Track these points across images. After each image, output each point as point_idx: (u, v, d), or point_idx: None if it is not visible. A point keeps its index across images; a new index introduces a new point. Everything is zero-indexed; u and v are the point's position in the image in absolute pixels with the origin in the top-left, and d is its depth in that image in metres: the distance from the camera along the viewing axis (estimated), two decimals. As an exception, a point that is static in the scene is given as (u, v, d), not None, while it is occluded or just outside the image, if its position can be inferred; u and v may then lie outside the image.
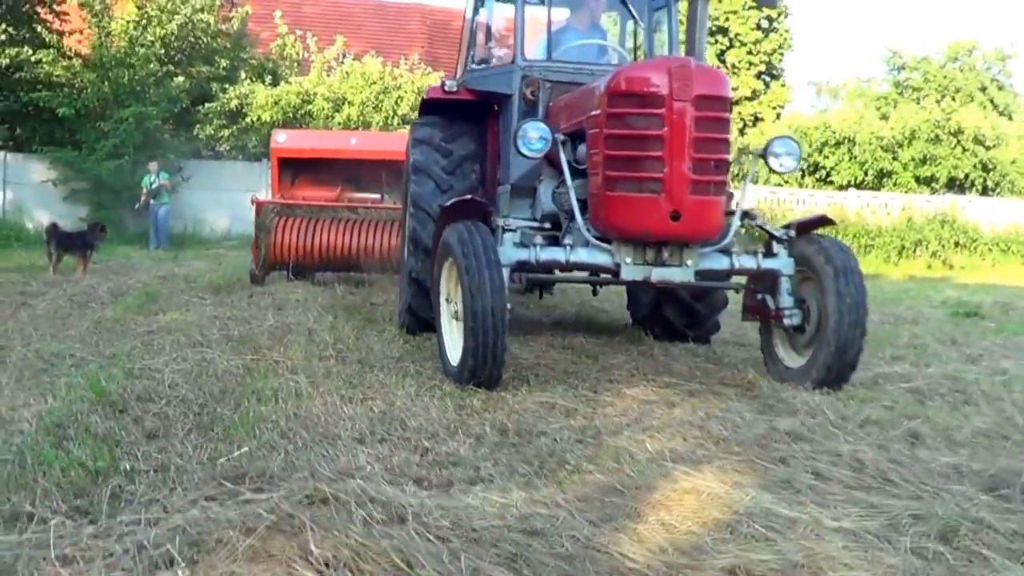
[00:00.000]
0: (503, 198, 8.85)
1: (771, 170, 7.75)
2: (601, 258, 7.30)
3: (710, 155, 6.89)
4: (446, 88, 9.32)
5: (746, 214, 7.73)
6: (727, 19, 38.20)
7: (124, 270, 14.96)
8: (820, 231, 7.57)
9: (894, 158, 30.64)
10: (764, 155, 7.58)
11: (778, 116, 38.19)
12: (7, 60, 24.28)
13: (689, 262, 7.18)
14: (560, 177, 7.75)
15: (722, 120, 7.03)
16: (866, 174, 30.70)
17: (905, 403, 6.71)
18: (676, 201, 6.75)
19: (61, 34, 25.74)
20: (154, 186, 22.83)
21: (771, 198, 28.40)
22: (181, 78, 25.46)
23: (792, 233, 7.46)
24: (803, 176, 30.93)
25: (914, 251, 27.23)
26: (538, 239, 7.46)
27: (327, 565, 2.83)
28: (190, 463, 4.41)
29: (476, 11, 9.81)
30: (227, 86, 26.35)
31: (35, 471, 4.11)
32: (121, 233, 22.34)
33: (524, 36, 8.92)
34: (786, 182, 29.39)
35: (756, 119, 38.30)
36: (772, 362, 7.66)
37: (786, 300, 7.32)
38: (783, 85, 40.25)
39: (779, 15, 38.99)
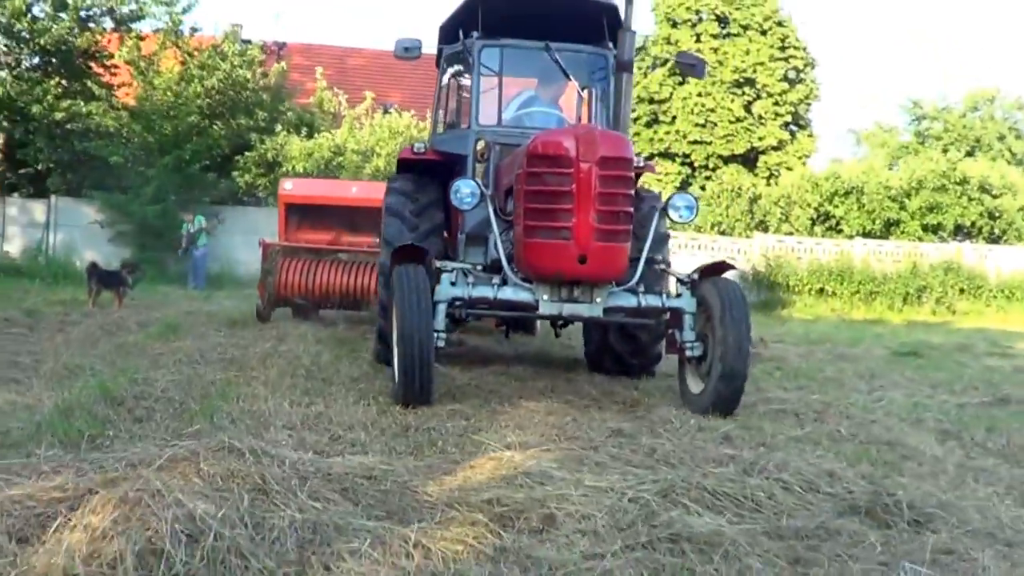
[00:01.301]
0: (460, 245, 9.70)
1: (672, 221, 8.92)
2: (523, 295, 8.26)
3: (613, 207, 7.87)
4: (415, 150, 10.55)
5: (650, 260, 8.66)
6: (754, 71, 39.52)
7: (157, 306, 16.35)
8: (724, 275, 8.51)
9: (901, 207, 31.87)
10: (665, 208, 8.78)
11: (803, 164, 39.41)
12: (62, 113, 26.23)
13: (598, 299, 8.21)
14: (505, 226, 8.67)
15: (623, 178, 8.01)
16: (874, 223, 31.92)
17: (758, 419, 7.77)
18: (583, 247, 7.79)
19: (110, 87, 27.89)
20: (193, 230, 24.43)
21: (779, 247, 29.80)
22: (219, 129, 27.49)
23: (695, 276, 8.44)
24: (813, 225, 32.29)
25: (918, 298, 28.57)
26: (470, 279, 8.31)
27: (210, 479, 4.42)
28: (156, 433, 6.06)
29: (441, 79, 10.96)
30: (265, 137, 28.26)
31: (45, 432, 5.78)
32: (163, 273, 23.97)
33: (479, 103, 9.89)
34: (796, 231, 30.93)
35: (781, 169, 39.47)
36: (683, 390, 8.50)
37: (688, 335, 8.26)
38: (809, 135, 41.52)
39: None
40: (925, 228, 31.75)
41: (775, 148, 39.91)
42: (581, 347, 10.79)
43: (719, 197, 32.84)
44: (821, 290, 28.74)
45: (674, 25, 41.02)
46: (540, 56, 9.81)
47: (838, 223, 32.46)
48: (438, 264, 8.38)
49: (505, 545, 4.09)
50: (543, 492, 4.85)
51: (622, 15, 9.92)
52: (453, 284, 8.15)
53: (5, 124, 27.71)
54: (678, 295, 8.46)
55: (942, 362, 13.63)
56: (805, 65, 40.90)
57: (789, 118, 40.53)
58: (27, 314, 13.05)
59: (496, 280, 8.34)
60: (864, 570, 4.10)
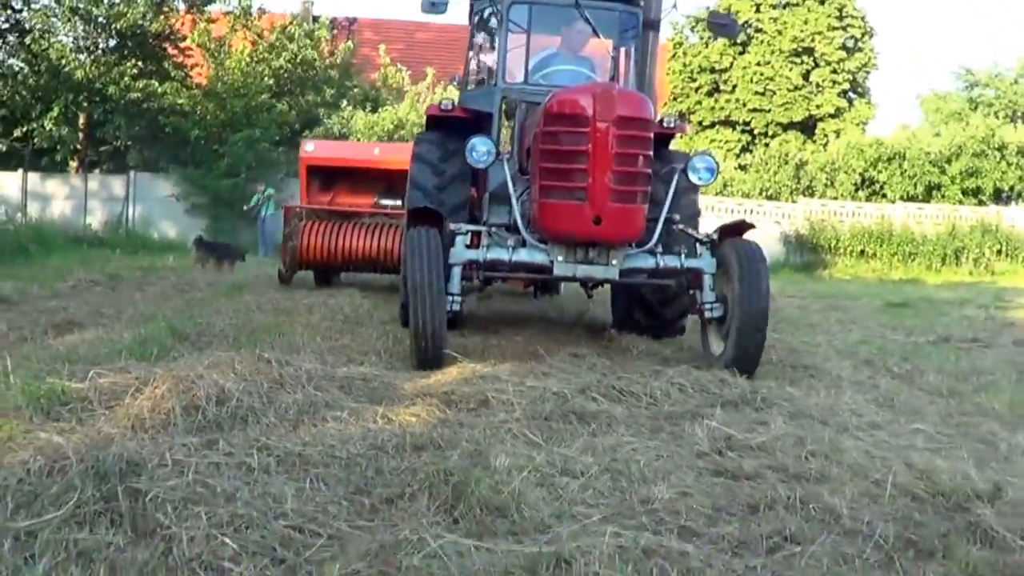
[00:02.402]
0: (485, 205, 9.79)
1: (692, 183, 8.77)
2: (538, 257, 8.24)
3: (630, 168, 7.83)
4: (442, 107, 10.35)
5: (669, 220, 8.55)
6: (813, 40, 40.65)
7: (228, 270, 17.94)
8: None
9: (942, 172, 33.14)
10: (685, 169, 8.56)
11: (863, 132, 40.48)
12: (138, 93, 28.49)
13: (614, 261, 8.17)
14: (526, 186, 8.64)
15: (641, 138, 7.87)
16: (916, 187, 33.20)
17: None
18: (598, 208, 7.75)
19: (184, 67, 30.10)
20: (261, 200, 25.99)
21: (823, 210, 31.29)
22: (285, 107, 29.56)
23: (715, 236, 8.35)
24: (856, 190, 33.71)
25: (956, 259, 29.89)
26: (485, 241, 8.41)
27: (240, 373, 6.17)
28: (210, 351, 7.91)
29: (473, 35, 10.95)
30: (332, 112, 30.25)
31: (126, 354, 7.61)
32: (235, 241, 25.92)
33: (506, 59, 9.97)
34: (840, 195, 32.39)
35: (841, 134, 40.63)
36: (705, 350, 8.54)
37: (708, 295, 8.20)
38: (868, 103, 42.53)
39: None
40: (965, 192, 32.90)
41: (833, 116, 40.84)
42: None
43: (767, 163, 34.34)
44: (862, 252, 30.11)
45: (734, -5, 42.20)
46: (570, 13, 9.83)
47: (882, 188, 33.75)
48: (452, 226, 8.28)
49: (447, 417, 5.86)
50: (487, 387, 6.58)
51: None
52: (468, 246, 8.19)
53: (85, 104, 29.75)
54: (698, 255, 8.38)
55: (926, 312, 15.06)
56: (863, 34, 41.63)
57: (847, 86, 41.46)
58: (109, 277, 14.86)
59: (511, 242, 8.39)
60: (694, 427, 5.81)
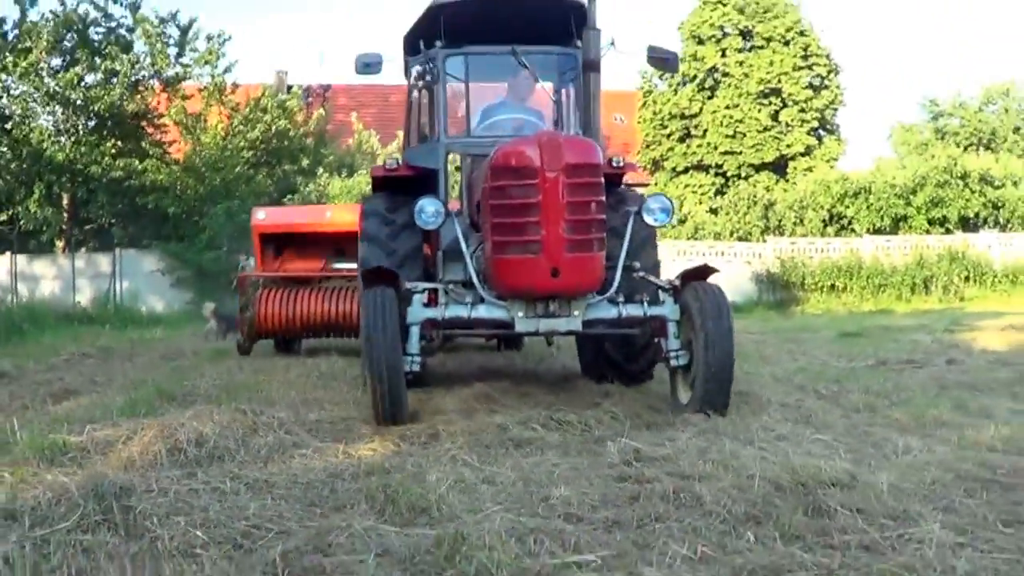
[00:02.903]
0: (439, 263, 9.38)
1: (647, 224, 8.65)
2: (498, 313, 8.17)
3: (583, 216, 7.68)
4: (387, 166, 10.25)
5: (628, 268, 8.58)
6: (779, 81, 41.94)
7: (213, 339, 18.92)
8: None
9: (907, 203, 34.26)
10: (640, 211, 8.55)
11: (832, 168, 41.66)
12: (119, 172, 29.50)
13: (576, 312, 8.08)
14: (480, 242, 8.52)
15: (592, 185, 7.75)
16: (883, 220, 34.34)
17: (651, 383, 9.54)
18: (555, 259, 7.60)
19: (162, 144, 31.20)
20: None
21: (792, 248, 32.42)
22: (265, 176, 30.69)
23: (676, 282, 8.26)
24: (825, 226, 34.87)
25: (925, 288, 30.96)
26: (443, 299, 8.25)
27: (218, 422, 7.05)
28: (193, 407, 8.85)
29: (411, 92, 10.70)
30: (308, 180, 31.38)
31: (117, 413, 8.48)
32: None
33: (446, 114, 9.90)
34: (810, 232, 33.51)
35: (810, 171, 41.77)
36: (673, 399, 8.40)
37: (673, 343, 8.11)
38: (837, 139, 43.79)
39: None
40: (931, 222, 34.12)
41: (803, 154, 42.09)
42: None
43: (736, 205, 35.54)
44: (832, 286, 31.25)
45: (700, 42, 43.35)
46: (508, 61, 9.79)
47: (850, 222, 34.96)
48: (408, 285, 8.17)
49: (399, 450, 6.79)
50: (438, 422, 7.59)
51: (588, 14, 9.57)
52: (425, 305, 8.14)
53: (68, 185, 30.86)
54: (661, 302, 8.30)
55: (878, 339, 16.02)
56: (829, 72, 42.91)
57: (816, 124, 42.75)
58: (100, 350, 15.77)
59: (469, 299, 8.30)
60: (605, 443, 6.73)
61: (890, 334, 17.13)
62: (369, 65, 9.87)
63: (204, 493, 5.10)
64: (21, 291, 28.72)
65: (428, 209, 8.53)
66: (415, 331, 8.01)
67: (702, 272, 8.29)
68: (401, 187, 10.06)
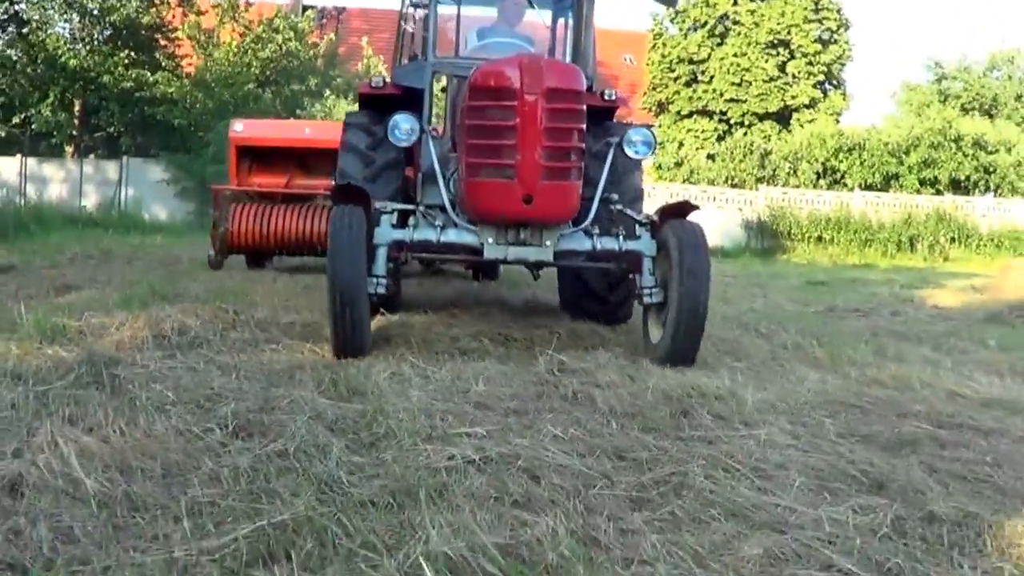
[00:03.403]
0: (419, 185, 9.09)
1: (628, 156, 8.42)
2: (468, 239, 7.91)
3: (561, 143, 7.44)
4: (372, 84, 9.78)
5: (607, 200, 8.35)
6: (788, 32, 42.61)
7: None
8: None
9: (900, 162, 35.14)
10: (621, 143, 8.28)
11: (837, 121, 42.47)
12: (131, 82, 30.50)
13: (548, 243, 7.82)
14: (457, 166, 8.22)
15: (572, 111, 7.50)
16: (874, 176, 35.23)
17: None
18: (528, 186, 7.36)
19: (175, 58, 32.07)
20: None
21: (783, 198, 33.31)
22: (273, 95, 31.53)
23: (655, 218, 7.99)
24: (818, 179, 35.75)
25: (911, 246, 31.87)
26: (411, 220, 7.94)
27: (202, 316, 8.08)
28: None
29: (403, 8, 10.46)
30: (315, 101, 32.23)
31: (112, 305, 9.38)
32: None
33: (436, 34, 9.58)
34: (802, 184, 34.38)
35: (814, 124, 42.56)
36: (645, 338, 8.14)
37: (648, 280, 7.85)
38: (842, 94, 44.49)
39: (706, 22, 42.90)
40: (922, 182, 34.98)
41: (808, 106, 42.87)
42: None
43: (732, 152, 36.41)
44: (820, 238, 32.11)
45: (712, -12, 44.08)
46: None
47: (842, 177, 35.77)
48: (378, 205, 7.88)
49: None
50: (395, 332, 8.45)
51: None
52: (394, 226, 7.85)
53: (80, 93, 31.71)
54: (637, 237, 8.04)
55: (840, 289, 16.83)
56: (839, 27, 43.57)
57: (822, 77, 43.45)
58: (103, 252, 16.63)
59: (440, 222, 8.04)
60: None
61: (855, 285, 17.96)
62: None
63: (180, 369, 6.07)
64: (29, 193, 29.63)
65: (403, 126, 8.29)
66: (382, 252, 7.71)
67: (682, 208, 8.02)
68: (387, 106, 9.18)
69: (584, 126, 7.71)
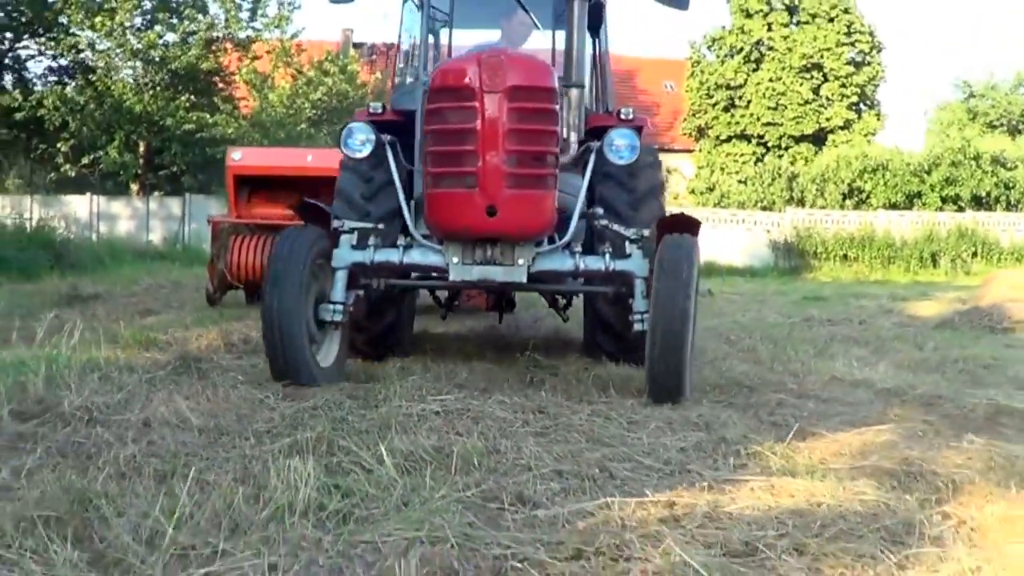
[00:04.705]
0: (412, 210, 8.15)
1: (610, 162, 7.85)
2: (432, 259, 7.44)
3: (529, 147, 6.92)
4: (371, 110, 8.76)
5: (591, 214, 7.73)
6: (822, 55, 44.75)
7: None
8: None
9: (922, 181, 37.12)
10: (602, 147, 7.72)
11: (868, 142, 44.45)
12: (192, 124, 33.16)
13: (520, 261, 7.20)
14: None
15: (541, 111, 6.95)
16: (898, 196, 37.34)
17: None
18: (491, 195, 6.83)
19: (232, 100, 34.77)
20: None
21: (809, 219, 35.44)
22: (326, 133, 34.14)
23: (644, 232, 7.29)
24: (844, 199, 37.83)
25: (933, 261, 33.81)
26: (372, 240, 7.46)
27: (236, 332, 10.45)
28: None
29: (401, 32, 9.87)
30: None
31: (190, 323, 11.82)
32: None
33: (426, 52, 9.40)
34: (828, 205, 36.46)
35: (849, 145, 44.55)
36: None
37: (640, 304, 7.13)
38: (876, 115, 46.50)
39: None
40: (944, 200, 36.99)
41: (842, 127, 45.00)
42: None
43: (762, 176, 38.63)
44: (844, 256, 34.17)
45: (748, 15, 46.20)
46: (505, 3, 9.24)
47: (867, 197, 37.81)
48: (335, 224, 7.43)
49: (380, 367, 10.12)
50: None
51: None
52: (354, 247, 7.40)
53: (145, 134, 34.58)
54: (627, 255, 7.33)
55: (832, 304, 18.85)
56: (871, 49, 45.74)
57: (856, 99, 45.53)
58: (171, 282, 19.09)
59: (402, 242, 7.52)
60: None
61: (851, 300, 19.83)
62: None
63: (245, 365, 8.34)
64: (101, 229, 32.43)
65: (357, 136, 7.98)
66: (340, 276, 7.35)
67: (682, 222, 7.25)
68: (388, 131, 8.36)
69: (557, 128, 7.14)
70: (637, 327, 7.16)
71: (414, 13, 9.69)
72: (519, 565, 3.54)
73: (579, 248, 7.65)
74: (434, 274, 7.82)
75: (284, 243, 7.07)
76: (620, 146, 7.81)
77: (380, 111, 8.81)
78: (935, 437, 6.04)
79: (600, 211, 7.86)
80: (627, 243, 7.40)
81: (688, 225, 7.23)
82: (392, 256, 7.50)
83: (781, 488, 4.54)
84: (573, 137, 7.75)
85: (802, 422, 6.35)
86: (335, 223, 7.47)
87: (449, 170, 7.10)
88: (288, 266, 6.92)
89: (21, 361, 7.43)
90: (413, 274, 8.15)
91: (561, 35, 9.14)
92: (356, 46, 41.69)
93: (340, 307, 7.37)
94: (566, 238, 7.53)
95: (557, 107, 7.15)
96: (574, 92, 7.72)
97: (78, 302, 14.24)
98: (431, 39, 9.89)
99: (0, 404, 5.83)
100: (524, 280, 7.41)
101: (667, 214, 8.15)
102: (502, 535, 3.85)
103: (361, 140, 7.98)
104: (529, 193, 7.06)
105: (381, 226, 7.68)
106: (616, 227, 7.57)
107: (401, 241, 7.55)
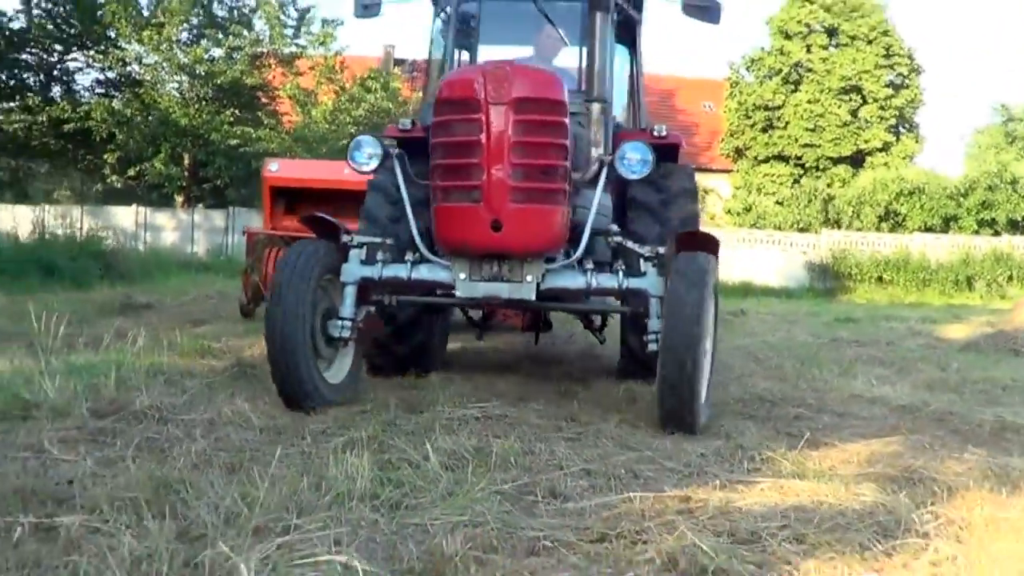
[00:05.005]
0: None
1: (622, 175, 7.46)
2: (440, 275, 7.27)
3: (536, 160, 6.78)
4: (400, 126, 8.95)
5: (604, 232, 7.44)
6: (860, 78, 45.14)
7: None
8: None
9: (958, 205, 37.45)
10: (614, 161, 7.37)
11: (907, 165, 44.78)
12: (236, 139, 33.94)
13: (529, 278, 7.06)
14: None
15: (549, 123, 6.81)
16: (934, 219, 37.70)
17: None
18: (496, 210, 6.71)
19: (276, 115, 35.53)
20: None
21: (845, 241, 35.83)
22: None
23: (660, 250, 7.05)
24: (880, 222, 38.21)
25: (968, 285, 34.12)
26: (381, 255, 7.35)
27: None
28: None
29: (432, 51, 9.78)
30: (407, 153, 35.53)
31: (241, 332, 12.36)
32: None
33: (455, 67, 9.25)
34: (864, 227, 36.82)
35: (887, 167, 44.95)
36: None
37: (654, 324, 6.90)
38: (915, 138, 46.84)
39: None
40: (980, 223, 37.30)
41: (881, 150, 45.38)
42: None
43: (798, 198, 39.05)
44: (880, 278, 34.56)
45: (787, 37, 46.68)
46: (532, 14, 8.97)
47: (903, 220, 38.19)
48: (345, 238, 7.29)
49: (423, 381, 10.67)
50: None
51: None
52: (363, 262, 7.30)
53: (190, 147, 35.45)
54: (642, 273, 7.12)
55: (863, 325, 19.03)
56: (910, 71, 46.14)
57: (894, 121, 45.93)
58: (218, 293, 19.54)
59: (411, 257, 7.38)
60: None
61: (877, 322, 20.15)
62: (368, 7, 9.23)
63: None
64: (147, 239, 33.24)
65: (365, 149, 7.75)
66: (350, 291, 7.27)
67: (699, 240, 7.01)
68: (418, 147, 8.09)
69: (566, 141, 6.95)
70: (651, 347, 6.90)
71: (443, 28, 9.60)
72: (550, 544, 4.08)
73: (590, 264, 7.32)
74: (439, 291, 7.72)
75: (289, 258, 6.88)
76: (632, 159, 7.38)
77: (409, 127, 8.93)
78: (940, 449, 6.52)
79: (615, 227, 7.56)
80: (642, 260, 7.17)
81: (706, 242, 6.97)
82: (400, 272, 7.34)
83: (789, 489, 5.03)
84: (596, 153, 7.70)
85: (816, 433, 6.87)
86: (344, 237, 7.32)
87: (455, 184, 6.97)
88: (292, 282, 6.73)
89: (91, 365, 8.06)
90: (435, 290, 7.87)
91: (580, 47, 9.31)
92: (398, 62, 42.45)
93: (349, 323, 7.26)
94: (577, 254, 7.26)
95: (566, 120, 6.95)
96: (596, 107, 7.82)
97: (131, 311, 14.85)
98: (463, 55, 9.81)
99: (79, 403, 6.48)
100: (532, 298, 7.20)
101: (699, 227, 8.41)
102: (536, 521, 4.41)
103: (368, 154, 7.71)
104: (535, 208, 6.90)
105: (389, 241, 7.54)
106: (631, 244, 7.31)
107: (409, 256, 7.41)
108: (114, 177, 37.50)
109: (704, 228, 8.79)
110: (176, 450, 5.45)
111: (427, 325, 8.64)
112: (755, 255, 35.55)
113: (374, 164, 7.69)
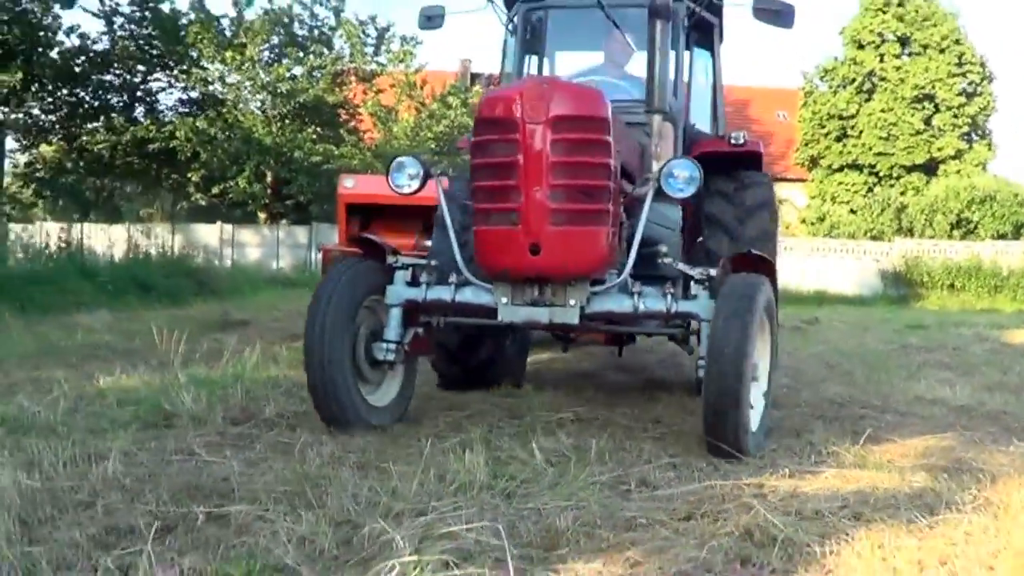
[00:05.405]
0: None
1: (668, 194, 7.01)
2: (484, 298, 7.05)
3: (575, 180, 6.51)
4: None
5: (654, 254, 7.04)
6: (933, 86, 45.46)
7: None
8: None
9: (1030, 212, 37.82)
10: (659, 179, 6.93)
11: (980, 172, 44.98)
12: (318, 156, 34.85)
13: (572, 301, 6.80)
14: None
15: (589, 142, 6.52)
16: (1005, 226, 38.07)
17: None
18: (534, 233, 6.46)
19: (357, 132, 36.43)
20: None
21: (917, 249, 36.24)
22: (446, 163, 35.77)
23: (711, 272, 6.75)
24: (952, 230, 38.54)
25: (1040, 291, 34.48)
26: (426, 277, 7.19)
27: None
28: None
29: (503, 63, 9.63)
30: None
31: None
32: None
33: (520, 76, 9.17)
34: (936, 235, 37.21)
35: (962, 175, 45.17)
36: None
37: (704, 349, 6.51)
38: (988, 145, 47.05)
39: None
40: (1053, 230, 37.58)
41: (953, 157, 45.64)
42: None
43: (871, 207, 39.50)
44: (951, 285, 34.93)
45: (860, 47, 47.12)
46: (601, 21, 8.63)
47: (975, 227, 38.54)
48: (390, 260, 7.18)
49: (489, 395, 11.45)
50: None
51: None
52: (409, 284, 7.17)
53: (273, 165, 36.34)
54: (692, 296, 6.84)
55: (932, 332, 19.32)
56: (982, 79, 46.37)
57: (967, 129, 46.17)
58: (306, 308, 20.81)
59: (454, 280, 7.17)
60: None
61: (947, 328, 20.46)
62: (431, 19, 9.19)
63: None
64: (228, 255, 34.41)
65: (406, 171, 7.48)
66: (395, 313, 7.12)
67: (753, 261, 6.87)
68: None
69: (609, 160, 6.61)
70: (701, 373, 6.52)
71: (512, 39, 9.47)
72: (645, 522, 4.82)
73: (637, 287, 6.94)
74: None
75: (329, 278, 6.91)
76: (679, 177, 6.91)
77: None
78: (990, 444, 7.20)
79: (664, 249, 7.10)
80: (692, 283, 6.88)
81: (759, 263, 6.83)
82: (444, 294, 7.15)
83: (850, 477, 5.74)
84: (657, 167, 7.31)
85: (878, 430, 7.52)
86: (390, 259, 7.19)
87: (493, 206, 6.70)
88: (333, 301, 6.73)
89: (214, 379, 8.86)
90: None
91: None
92: (474, 76, 43.35)
93: (394, 346, 7.12)
94: (623, 275, 6.89)
95: (608, 137, 6.58)
96: (656, 118, 7.54)
97: (230, 327, 15.46)
98: (536, 65, 9.57)
99: (215, 413, 7.34)
100: (575, 322, 6.91)
101: (774, 245, 8.46)
102: (631, 504, 5.17)
103: (411, 175, 7.42)
104: (576, 230, 6.58)
105: (434, 263, 7.32)
106: (681, 266, 7.01)
107: (453, 279, 7.16)
108: (198, 195, 38.62)
109: (779, 240, 9.08)
110: (309, 452, 6.16)
111: (496, 339, 8.64)
112: (829, 264, 36.15)
113: (415, 185, 7.41)
